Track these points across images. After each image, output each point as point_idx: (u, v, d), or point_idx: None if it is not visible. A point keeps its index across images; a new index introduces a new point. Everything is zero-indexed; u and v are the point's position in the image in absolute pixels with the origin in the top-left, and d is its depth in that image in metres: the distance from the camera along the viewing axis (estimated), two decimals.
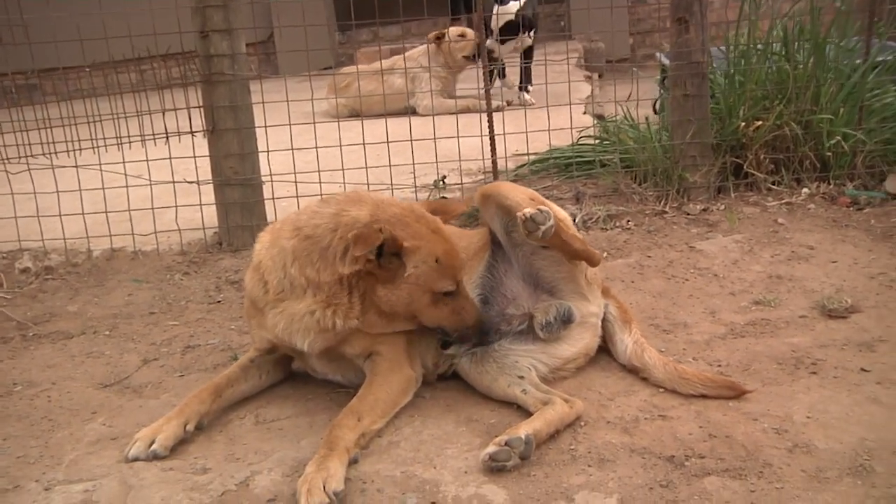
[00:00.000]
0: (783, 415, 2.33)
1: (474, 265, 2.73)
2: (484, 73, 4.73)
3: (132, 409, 2.71)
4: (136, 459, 2.33)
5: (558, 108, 4.69)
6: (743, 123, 4.27)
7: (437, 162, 4.53)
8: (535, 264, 2.65)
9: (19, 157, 4.17)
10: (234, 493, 2.16)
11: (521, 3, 6.86)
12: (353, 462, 2.22)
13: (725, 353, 2.75)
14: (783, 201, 4.20)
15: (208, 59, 3.94)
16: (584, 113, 6.20)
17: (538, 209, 2.42)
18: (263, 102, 4.11)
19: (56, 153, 4.12)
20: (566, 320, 2.57)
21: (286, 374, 2.80)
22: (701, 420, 2.34)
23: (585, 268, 2.66)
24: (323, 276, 2.37)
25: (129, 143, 4.07)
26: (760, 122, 4.27)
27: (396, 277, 2.37)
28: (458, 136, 4.38)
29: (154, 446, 2.34)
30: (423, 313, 2.44)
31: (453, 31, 7.43)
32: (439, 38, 7.31)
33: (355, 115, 6.80)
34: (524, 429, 2.23)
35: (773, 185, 4.35)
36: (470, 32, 7.42)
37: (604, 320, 2.74)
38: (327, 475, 2.08)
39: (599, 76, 9.37)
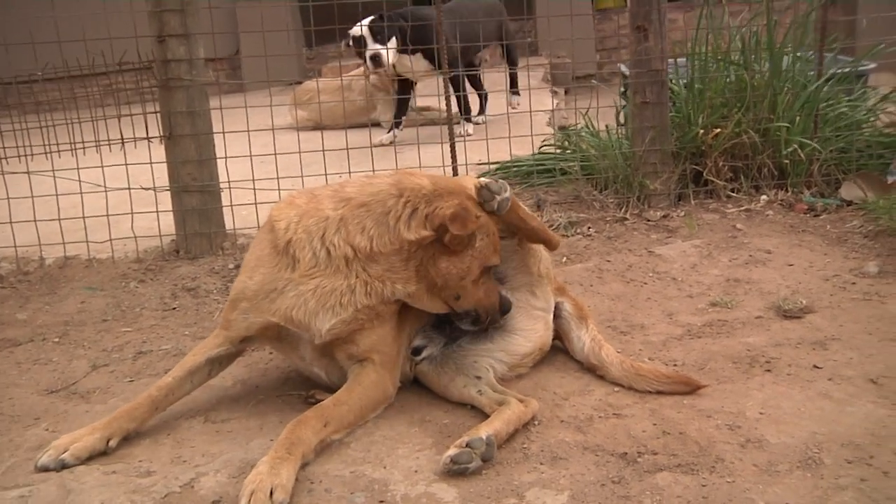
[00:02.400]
0: (736, 411, 2.32)
1: None
2: (444, 82, 4.72)
3: (78, 415, 2.63)
4: (45, 468, 2.23)
5: (521, 121, 4.71)
6: (702, 131, 4.30)
7: (397, 170, 4.49)
8: None
9: None
10: (177, 495, 2.10)
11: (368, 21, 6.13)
12: (303, 465, 2.16)
13: (681, 353, 2.74)
14: (742, 208, 4.23)
15: (165, 64, 3.90)
16: (548, 124, 6.23)
17: (494, 179, 2.41)
18: (221, 108, 4.06)
19: (6, 158, 4.03)
20: (504, 311, 2.54)
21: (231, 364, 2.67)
22: (655, 418, 2.33)
23: (539, 260, 2.64)
24: (378, 245, 2.31)
25: (84, 148, 3.99)
26: (719, 130, 4.31)
27: (466, 249, 2.35)
28: (418, 144, 4.36)
29: (64, 455, 2.24)
30: (466, 291, 2.40)
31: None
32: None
33: (317, 128, 6.78)
34: (484, 430, 2.20)
35: (733, 192, 4.37)
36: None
37: (560, 318, 2.72)
38: (277, 482, 2.00)
39: (566, 92, 9.45)
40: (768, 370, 2.57)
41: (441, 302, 2.45)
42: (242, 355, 2.73)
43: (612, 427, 2.30)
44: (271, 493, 1.97)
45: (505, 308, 2.52)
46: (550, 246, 2.68)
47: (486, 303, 2.45)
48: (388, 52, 6.12)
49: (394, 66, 6.36)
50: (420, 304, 2.44)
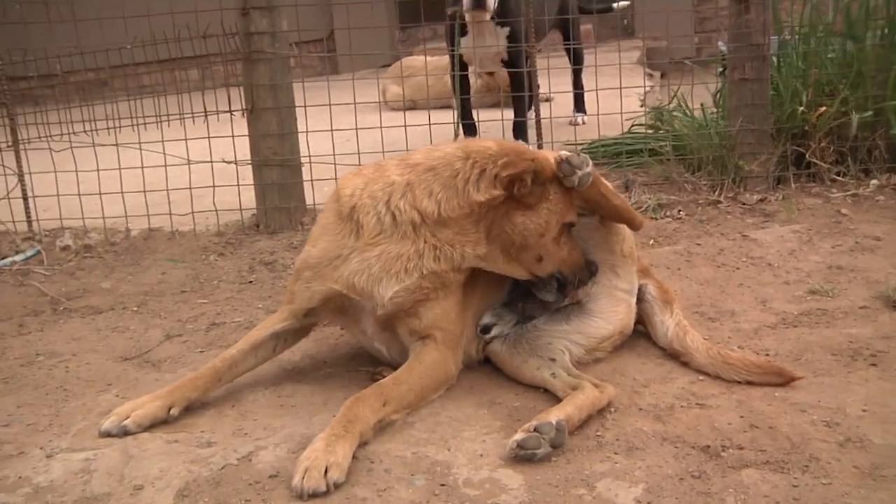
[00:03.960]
0: (835, 407, 2.12)
1: None
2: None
3: (147, 382, 2.63)
4: (107, 434, 2.22)
5: (611, 98, 4.48)
6: (804, 109, 4.01)
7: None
8: None
9: (62, 135, 4.17)
10: (234, 468, 2.05)
11: None
12: (362, 444, 2.07)
13: (775, 342, 2.53)
14: (848, 192, 3.93)
15: (248, 37, 3.89)
16: (641, 106, 5.97)
17: (576, 153, 2.27)
18: (304, 82, 4.03)
19: (97, 131, 4.10)
20: (592, 271, 2.41)
21: (298, 342, 2.62)
22: (742, 410, 2.15)
23: (622, 240, 2.49)
24: (447, 209, 2.25)
25: (169, 121, 4.03)
26: (824, 109, 4.01)
27: (540, 201, 2.27)
28: (502, 120, 4.22)
29: (126, 421, 2.23)
30: (547, 250, 2.32)
31: None
32: (491, 74, 7.04)
33: (411, 107, 6.68)
34: (555, 414, 2.07)
35: (838, 175, 4.07)
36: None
37: (643, 301, 2.57)
38: (333, 460, 1.93)
39: (662, 75, 9.11)
40: (873, 364, 2.34)
41: (521, 267, 2.35)
42: (309, 332, 2.66)
43: (694, 418, 2.13)
44: (326, 471, 1.89)
45: (592, 269, 2.42)
46: (633, 226, 2.52)
47: (571, 262, 2.35)
48: None
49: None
50: (496, 267, 2.35)
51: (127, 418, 2.24)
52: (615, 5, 6.57)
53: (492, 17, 4.94)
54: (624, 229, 2.54)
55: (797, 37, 4.22)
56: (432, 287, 2.29)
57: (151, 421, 2.26)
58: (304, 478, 1.88)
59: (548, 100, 6.35)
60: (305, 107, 4.03)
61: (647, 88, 6.82)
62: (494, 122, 4.51)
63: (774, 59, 4.24)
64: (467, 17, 4.91)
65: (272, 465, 2.05)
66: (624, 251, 2.52)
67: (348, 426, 2.03)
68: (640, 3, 9.64)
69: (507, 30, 4.99)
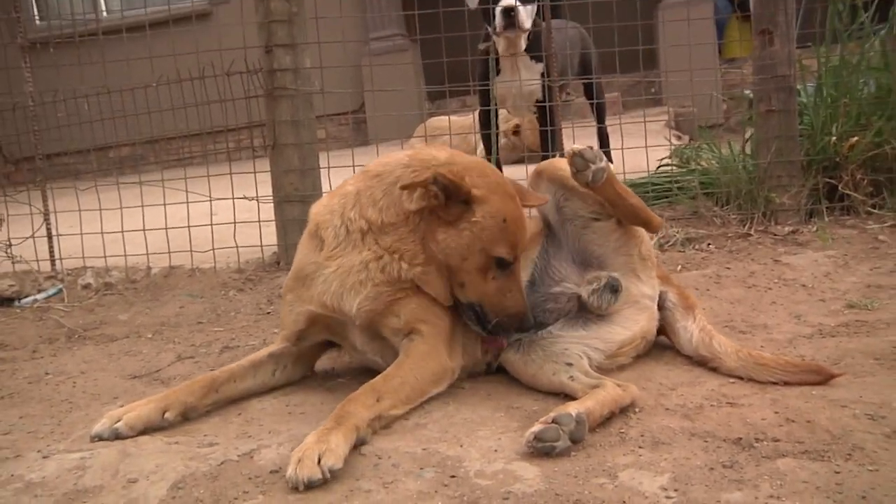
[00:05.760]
0: (879, 402, 1.95)
1: (530, 251, 2.49)
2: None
3: None
4: (98, 437, 2.12)
5: (637, 159, 4.36)
6: (835, 139, 3.92)
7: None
8: (584, 239, 2.40)
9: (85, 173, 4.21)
10: (234, 463, 1.94)
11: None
12: (360, 443, 1.94)
13: (811, 349, 2.38)
14: (886, 224, 3.79)
15: (271, 74, 3.93)
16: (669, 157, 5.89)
17: (589, 147, 2.19)
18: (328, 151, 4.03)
19: (121, 168, 4.14)
20: (614, 290, 2.28)
21: (305, 373, 2.55)
22: (777, 407, 1.99)
23: (640, 242, 2.39)
24: (387, 216, 2.20)
25: (192, 158, 4.06)
26: (856, 139, 3.91)
27: (460, 221, 2.17)
28: (525, 165, 4.17)
29: (118, 424, 2.13)
30: (470, 278, 2.20)
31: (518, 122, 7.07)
32: (516, 133, 7.20)
33: None
34: (575, 407, 1.93)
35: (874, 207, 3.94)
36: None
37: (663, 308, 2.44)
38: (326, 448, 1.82)
39: (690, 139, 9.10)
40: None
41: (448, 288, 2.24)
42: (313, 362, 2.58)
43: (724, 415, 1.98)
44: (319, 460, 1.78)
45: (526, 324, 2.23)
46: (651, 227, 2.44)
47: (495, 300, 2.20)
48: (530, 8, 4.70)
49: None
50: (428, 287, 2.24)
51: (118, 421, 2.14)
52: None
53: (526, 50, 4.90)
54: (642, 232, 2.45)
55: (826, 69, 4.15)
56: (393, 290, 2.22)
57: (145, 424, 2.15)
58: (297, 468, 1.76)
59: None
60: (329, 167, 3.99)
61: (674, 146, 6.78)
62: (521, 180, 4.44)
63: (802, 91, 4.19)
64: (500, 46, 4.90)
65: (273, 462, 1.93)
66: (643, 253, 2.42)
67: (340, 420, 1.93)
68: (666, 69, 9.76)
69: (541, 65, 4.87)
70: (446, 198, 2.15)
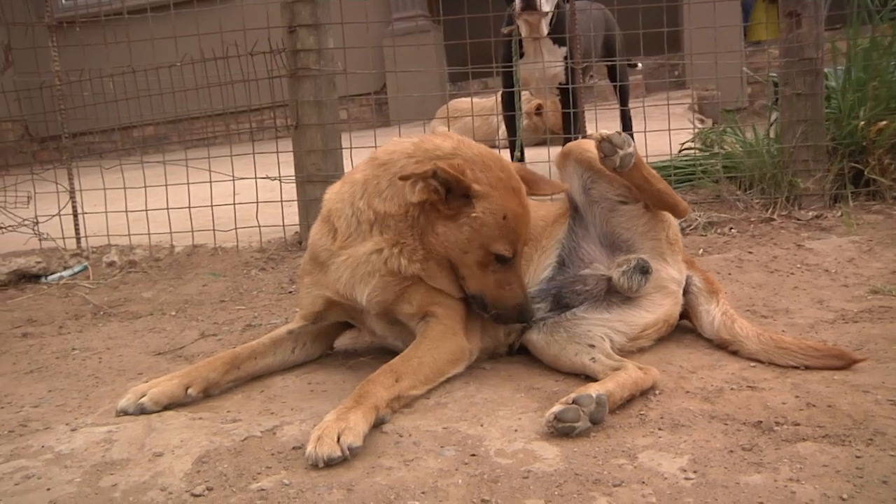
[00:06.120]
0: None
1: (555, 231, 2.50)
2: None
3: None
4: (124, 412, 2.16)
5: (660, 142, 4.32)
6: (863, 123, 3.87)
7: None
8: (612, 222, 2.40)
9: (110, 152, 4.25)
10: (257, 439, 1.97)
11: None
12: (379, 423, 1.97)
13: (833, 335, 2.37)
14: None
15: (295, 54, 3.93)
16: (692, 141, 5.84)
17: (617, 132, 2.19)
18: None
19: (145, 147, 4.17)
20: (644, 271, 2.28)
21: (325, 350, 2.58)
22: (798, 391, 1.99)
23: (668, 226, 2.39)
24: (390, 206, 2.20)
25: (216, 136, 4.08)
26: (885, 123, 3.87)
27: (460, 215, 2.15)
28: (548, 151, 4.16)
29: (143, 399, 2.16)
30: (470, 272, 2.21)
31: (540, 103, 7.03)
32: (539, 113, 7.18)
33: None
34: (595, 388, 1.95)
35: None
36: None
37: (687, 292, 2.44)
38: (345, 426, 1.84)
39: (714, 123, 9.02)
40: None
41: (454, 280, 2.25)
42: (332, 341, 2.62)
43: (745, 399, 1.98)
44: (339, 438, 1.80)
45: (526, 315, 2.25)
46: (678, 212, 2.44)
47: (495, 293, 2.21)
48: None
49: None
50: (432, 281, 2.25)
51: (143, 396, 2.18)
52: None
53: (549, 34, 4.89)
54: (669, 216, 2.44)
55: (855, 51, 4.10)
56: (399, 280, 2.23)
57: (169, 399, 2.19)
58: (316, 445, 1.78)
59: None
60: (351, 148, 4.00)
61: (698, 129, 6.72)
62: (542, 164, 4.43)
63: (830, 74, 4.14)
64: (523, 30, 4.87)
65: (296, 438, 1.96)
66: (670, 237, 2.42)
67: (360, 400, 1.95)
68: (690, 51, 9.66)
69: (564, 49, 4.89)
70: (446, 192, 2.14)
